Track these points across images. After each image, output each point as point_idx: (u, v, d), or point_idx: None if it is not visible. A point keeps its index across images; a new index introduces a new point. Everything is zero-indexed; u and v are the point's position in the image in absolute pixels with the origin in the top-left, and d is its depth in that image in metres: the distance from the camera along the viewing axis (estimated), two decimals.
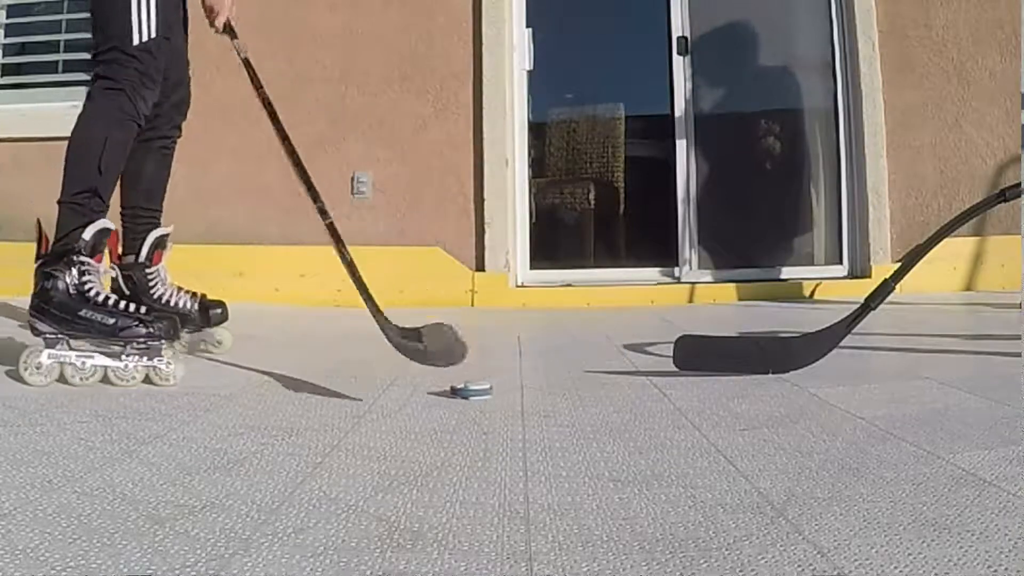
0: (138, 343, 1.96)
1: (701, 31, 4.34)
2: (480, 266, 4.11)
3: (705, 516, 1.09)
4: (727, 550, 0.98)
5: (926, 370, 2.09)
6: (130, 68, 2.06)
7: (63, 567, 0.93)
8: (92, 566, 0.94)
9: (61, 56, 4.21)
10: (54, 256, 1.98)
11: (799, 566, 0.93)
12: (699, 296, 4.10)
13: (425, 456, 1.40)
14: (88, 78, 2.20)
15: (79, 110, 2.09)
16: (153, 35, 2.08)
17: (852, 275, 4.22)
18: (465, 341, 1.89)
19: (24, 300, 2.02)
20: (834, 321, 2.13)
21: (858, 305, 2.12)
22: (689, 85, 4.31)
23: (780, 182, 4.53)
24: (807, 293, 4.11)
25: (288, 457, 1.39)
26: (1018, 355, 2.11)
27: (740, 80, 4.51)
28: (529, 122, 4.37)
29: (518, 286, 4.17)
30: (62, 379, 1.93)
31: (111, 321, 1.95)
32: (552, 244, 4.63)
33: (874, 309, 2.11)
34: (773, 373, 2.03)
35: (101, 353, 1.96)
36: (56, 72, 4.20)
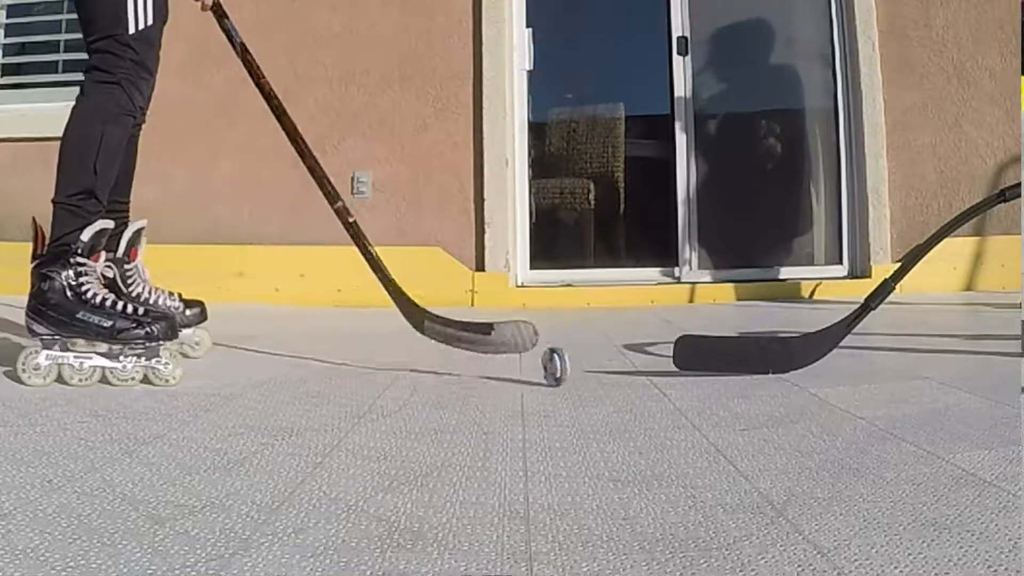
0: (136, 344, 1.96)
1: (701, 31, 4.34)
2: (480, 266, 4.11)
3: (705, 516, 1.09)
4: (727, 550, 0.98)
5: (926, 370, 2.09)
6: (125, 58, 1.99)
7: (63, 567, 0.93)
8: (92, 566, 0.94)
9: (61, 56, 4.21)
10: (51, 257, 1.96)
11: (799, 566, 0.93)
12: (699, 296, 4.10)
13: (425, 456, 1.40)
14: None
15: None
16: (150, 22, 2.01)
17: (852, 275, 4.22)
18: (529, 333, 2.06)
19: (23, 300, 2.01)
20: (834, 321, 2.13)
21: (858, 305, 2.12)
22: (689, 85, 4.31)
23: (780, 182, 4.53)
24: (807, 293, 4.11)
25: (288, 457, 1.39)
26: (1018, 355, 2.11)
27: (740, 80, 4.51)
28: (529, 122, 4.37)
29: (518, 286, 4.17)
30: (60, 380, 1.93)
31: (108, 323, 1.95)
32: (552, 244, 4.62)
33: (874, 309, 2.12)
34: (773, 373, 2.03)
35: (99, 354, 1.95)
36: (56, 72, 4.21)
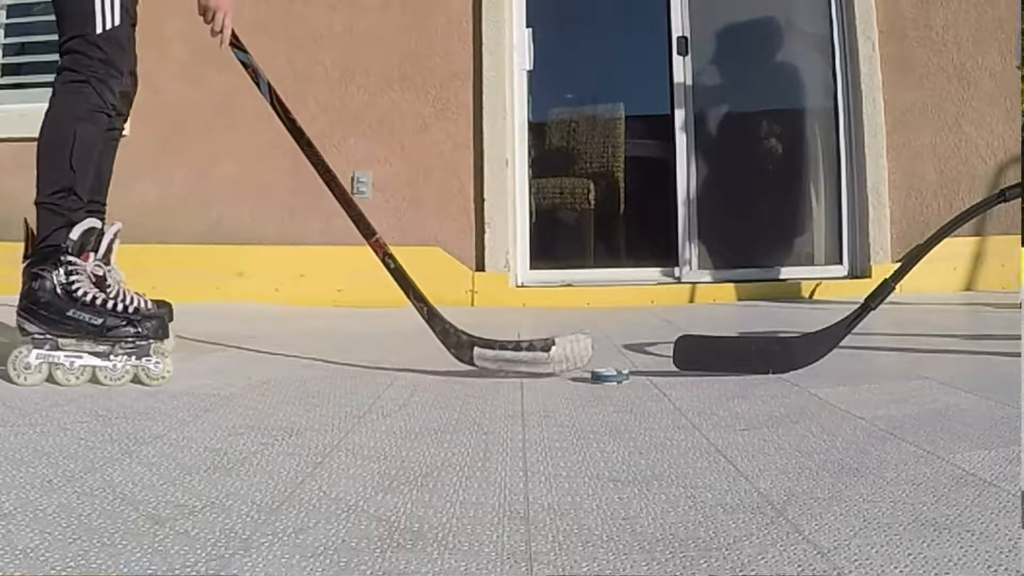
0: (126, 343, 1.95)
1: (701, 31, 4.34)
2: (480, 266, 4.11)
3: (705, 516, 1.09)
4: (727, 550, 0.98)
5: (926, 370, 2.09)
6: (94, 58, 1.99)
7: (63, 567, 0.93)
8: (92, 566, 0.94)
9: None
10: (41, 256, 1.97)
11: (799, 566, 0.93)
12: (699, 296, 4.10)
13: (425, 456, 1.40)
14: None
15: None
16: (117, 22, 2.01)
17: (852, 275, 4.22)
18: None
19: (15, 299, 2.01)
20: (834, 321, 2.13)
21: (858, 305, 2.12)
22: (689, 85, 4.31)
23: (780, 182, 4.53)
24: (807, 293, 4.11)
25: (288, 457, 1.39)
26: (1018, 355, 2.11)
27: (740, 80, 4.51)
28: (529, 122, 4.37)
29: (518, 286, 4.17)
30: (51, 379, 1.92)
31: (99, 321, 1.94)
32: (552, 244, 4.62)
33: (874, 309, 2.12)
34: (773, 373, 2.03)
35: (89, 353, 1.95)
36: (56, 72, 4.20)
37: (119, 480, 1.25)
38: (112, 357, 1.95)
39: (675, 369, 2.06)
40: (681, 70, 4.32)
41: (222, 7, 2.17)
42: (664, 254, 4.33)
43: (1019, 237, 3.86)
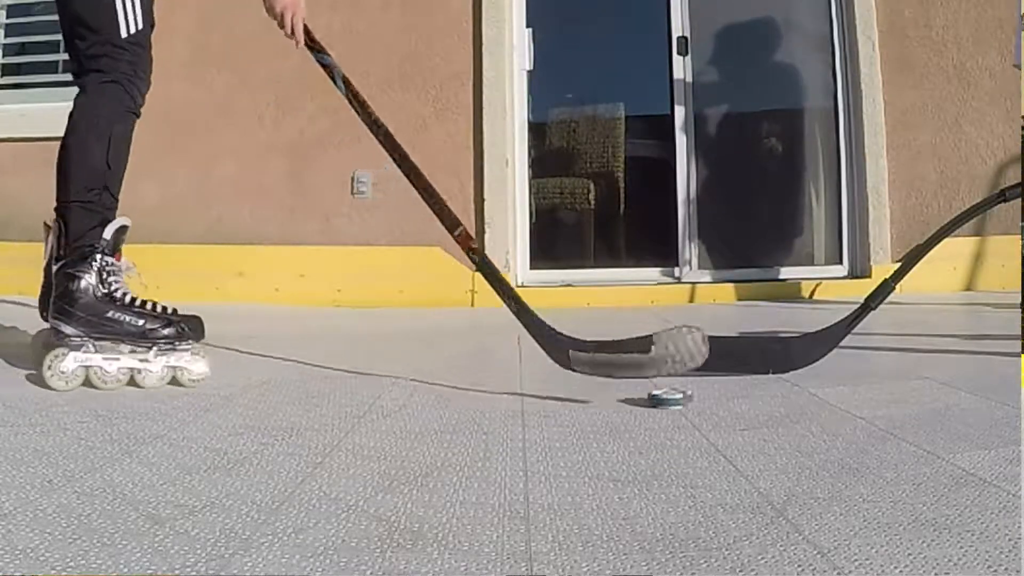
0: (165, 343, 1.93)
1: (701, 31, 4.34)
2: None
3: (705, 516, 1.09)
4: (727, 550, 0.98)
5: (926, 370, 2.09)
6: (122, 60, 1.99)
7: (63, 567, 0.93)
8: (92, 566, 0.94)
9: (61, 56, 4.20)
10: (78, 257, 1.92)
11: (799, 566, 0.93)
12: (699, 296, 4.10)
13: (425, 456, 1.40)
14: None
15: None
16: (140, 26, 2.01)
17: (852, 275, 4.22)
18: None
19: (23, 299, 2.00)
20: (834, 321, 2.13)
21: (858, 305, 2.12)
22: (689, 85, 4.31)
23: (780, 182, 4.53)
24: (807, 293, 4.10)
25: (288, 457, 1.39)
26: (1018, 355, 2.11)
27: (740, 80, 4.51)
28: (529, 122, 4.37)
29: (518, 286, 4.16)
30: (87, 383, 1.88)
31: (140, 322, 1.91)
32: (552, 244, 4.62)
33: (874, 309, 2.12)
34: (773, 373, 2.03)
35: (127, 355, 1.91)
36: (56, 72, 4.20)
37: (119, 480, 1.25)
38: (151, 358, 1.92)
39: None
40: (681, 70, 4.31)
41: (290, 7, 2.07)
42: (664, 254, 4.33)
43: (1019, 237, 3.86)
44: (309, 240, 4.10)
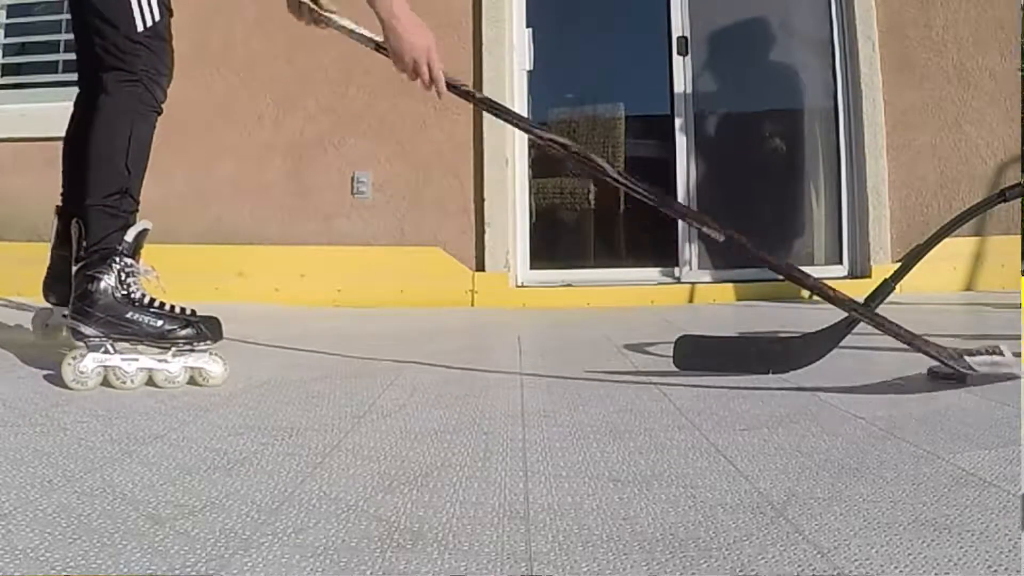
0: (183, 344, 1.93)
1: (701, 31, 4.34)
2: (480, 266, 4.11)
3: (705, 516, 1.09)
4: (727, 550, 0.98)
5: (926, 370, 2.09)
6: (142, 55, 1.97)
7: (63, 567, 0.93)
8: (92, 566, 0.94)
9: (61, 56, 4.21)
10: (98, 258, 1.92)
11: (799, 566, 0.93)
12: (699, 296, 4.10)
13: (425, 456, 1.40)
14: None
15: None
16: (157, 18, 1.99)
17: (852, 275, 4.22)
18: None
19: (25, 300, 2.00)
20: (834, 321, 2.13)
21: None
22: (689, 85, 4.31)
23: (780, 182, 4.53)
24: (807, 293, 4.09)
25: (288, 457, 1.39)
26: (1018, 355, 2.11)
27: (740, 80, 4.51)
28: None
29: (518, 286, 4.17)
30: (106, 383, 1.88)
31: (159, 323, 1.92)
32: (552, 244, 4.63)
33: (874, 309, 2.11)
34: (773, 373, 2.03)
35: (146, 356, 1.92)
36: (56, 72, 4.21)
37: (119, 480, 1.25)
38: (169, 359, 1.92)
39: (675, 369, 2.06)
40: (681, 70, 4.32)
41: (422, 52, 1.99)
42: (664, 254, 4.33)
43: (1019, 237, 3.86)
44: (309, 240, 4.10)
